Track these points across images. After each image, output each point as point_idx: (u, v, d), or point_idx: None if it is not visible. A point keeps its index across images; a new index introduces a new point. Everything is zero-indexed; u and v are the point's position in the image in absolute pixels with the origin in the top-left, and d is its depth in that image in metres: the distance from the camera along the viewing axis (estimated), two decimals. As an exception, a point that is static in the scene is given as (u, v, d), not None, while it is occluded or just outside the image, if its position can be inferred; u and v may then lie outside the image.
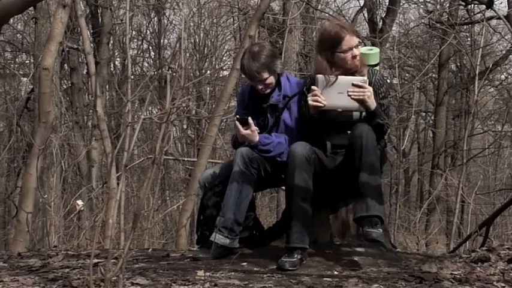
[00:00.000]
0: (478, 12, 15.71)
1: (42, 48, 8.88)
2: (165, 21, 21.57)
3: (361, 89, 4.66)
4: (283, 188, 5.18)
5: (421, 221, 15.72)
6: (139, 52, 21.59)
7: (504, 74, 21.80)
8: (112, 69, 19.32)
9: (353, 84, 4.67)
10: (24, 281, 4.29)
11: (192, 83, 16.12)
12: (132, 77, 17.56)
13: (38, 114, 8.32)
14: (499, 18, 11.59)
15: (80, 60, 17.19)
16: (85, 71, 16.76)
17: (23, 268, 4.76)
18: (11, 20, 14.50)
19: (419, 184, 21.76)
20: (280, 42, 13.06)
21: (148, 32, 21.70)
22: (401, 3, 19.17)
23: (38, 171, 7.99)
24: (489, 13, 12.38)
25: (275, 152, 4.97)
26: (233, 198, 4.91)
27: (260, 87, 5.04)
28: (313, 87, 4.73)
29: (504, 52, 19.93)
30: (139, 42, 21.54)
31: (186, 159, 15.64)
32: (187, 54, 18.57)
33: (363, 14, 19.89)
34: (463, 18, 16.81)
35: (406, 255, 5.30)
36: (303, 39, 15.09)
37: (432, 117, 21.84)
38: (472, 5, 15.14)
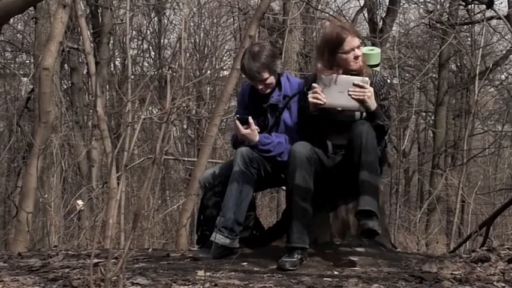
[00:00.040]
0: (478, 12, 15.73)
1: (43, 48, 8.88)
2: (165, 21, 21.60)
3: (362, 89, 4.66)
4: (284, 188, 5.18)
5: (421, 221, 15.73)
6: (139, 52, 21.60)
7: (504, 74, 21.82)
8: (112, 69, 19.33)
9: (354, 84, 4.68)
10: (25, 281, 4.29)
11: (192, 83, 16.12)
12: (132, 77, 17.56)
13: (38, 114, 8.33)
14: (499, 18, 11.61)
15: (80, 60, 17.20)
16: (85, 71, 16.77)
17: (23, 268, 4.76)
18: (11, 20, 14.50)
19: (419, 184, 21.76)
20: (281, 42, 13.06)
21: (148, 32, 21.72)
22: (401, 3, 19.18)
23: (38, 171, 7.99)
24: (489, 13, 12.39)
25: (275, 152, 4.97)
26: (233, 198, 4.91)
27: (260, 87, 5.04)
28: (314, 84, 4.73)
29: (504, 52, 19.94)
30: (140, 42, 21.57)
31: (186, 159, 15.64)
32: (188, 54, 18.58)
33: (363, 14, 19.90)
34: (463, 18, 16.81)
35: (406, 255, 5.31)
36: (303, 39, 15.10)
37: (432, 117, 21.84)
38: (472, 5, 15.16)
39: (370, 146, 4.66)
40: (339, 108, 4.79)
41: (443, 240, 14.79)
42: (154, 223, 13.93)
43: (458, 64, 21.88)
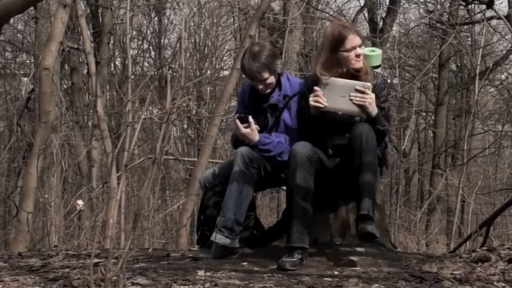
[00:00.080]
0: (479, 12, 15.72)
1: (43, 48, 8.88)
2: (166, 21, 21.60)
3: (364, 95, 4.65)
4: (284, 187, 5.18)
5: (422, 221, 15.73)
6: (139, 52, 21.60)
7: (504, 73, 21.81)
8: (112, 69, 19.34)
9: (356, 89, 4.66)
10: (25, 280, 4.29)
11: (193, 82, 16.11)
12: (133, 76, 17.57)
13: (39, 114, 8.32)
14: (500, 18, 11.60)
15: (81, 60, 17.21)
16: (85, 70, 16.77)
17: (23, 268, 4.76)
18: (12, 20, 14.50)
19: (419, 184, 21.77)
20: (281, 42, 13.06)
21: (148, 31, 21.73)
22: (401, 3, 19.19)
23: (38, 171, 7.99)
24: (489, 13, 12.38)
25: (275, 152, 4.97)
26: (233, 198, 4.91)
27: (260, 87, 5.04)
28: (315, 87, 4.73)
29: (504, 52, 19.94)
30: (140, 42, 21.57)
31: (186, 159, 15.65)
32: (188, 54, 18.58)
33: (363, 14, 19.92)
34: (463, 18, 16.81)
35: (407, 255, 5.31)
36: (303, 39, 15.11)
37: (432, 117, 21.85)
38: (473, 5, 15.14)
39: (370, 147, 4.66)
40: (340, 113, 4.80)
41: (443, 240, 14.79)
42: (155, 223, 13.93)
43: (459, 64, 21.89)
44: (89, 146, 14.63)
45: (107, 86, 18.18)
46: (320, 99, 4.70)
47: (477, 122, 20.18)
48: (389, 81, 5.11)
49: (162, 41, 21.58)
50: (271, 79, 5.03)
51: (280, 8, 15.98)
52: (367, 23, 19.51)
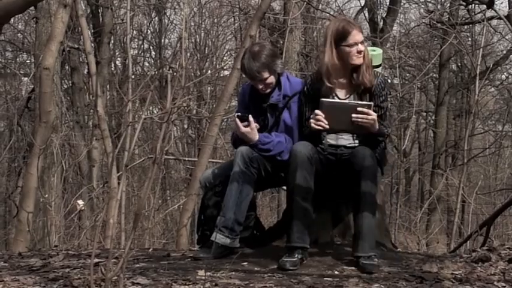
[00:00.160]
0: (479, 12, 15.72)
1: (43, 48, 8.88)
2: (166, 21, 21.60)
3: (365, 116, 4.65)
4: (284, 187, 5.18)
5: (422, 221, 15.73)
6: (140, 52, 21.60)
7: (505, 73, 21.82)
8: (113, 68, 19.33)
9: (357, 110, 4.65)
10: (25, 280, 4.29)
11: (193, 82, 16.11)
12: (133, 76, 17.57)
13: (39, 114, 8.33)
14: (500, 18, 11.61)
15: (81, 59, 17.20)
16: (86, 70, 16.77)
17: (23, 268, 4.76)
18: (12, 20, 14.50)
19: (420, 184, 21.77)
20: (281, 42, 13.05)
21: (149, 31, 21.72)
22: (402, 3, 19.20)
23: (38, 170, 7.99)
24: (490, 13, 12.39)
25: (275, 151, 4.97)
26: (233, 198, 4.91)
27: (260, 86, 5.04)
28: (316, 111, 4.72)
29: (505, 52, 19.96)
30: (140, 42, 21.57)
31: (186, 158, 15.65)
32: (188, 54, 18.59)
33: (364, 14, 19.93)
34: (463, 18, 16.81)
35: (407, 255, 5.31)
36: (303, 39, 15.10)
37: (433, 117, 21.85)
38: (473, 5, 15.15)
39: (371, 176, 4.67)
40: (341, 132, 4.84)
41: (443, 240, 14.79)
42: (155, 223, 13.94)
43: (459, 64, 21.89)
44: (89, 145, 14.62)
45: (107, 86, 18.19)
46: (322, 122, 4.70)
47: (477, 122, 20.18)
48: (389, 81, 5.12)
49: (162, 40, 21.60)
50: (271, 79, 5.02)
51: (280, 8, 15.97)
52: (367, 23, 19.51)
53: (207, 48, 20.72)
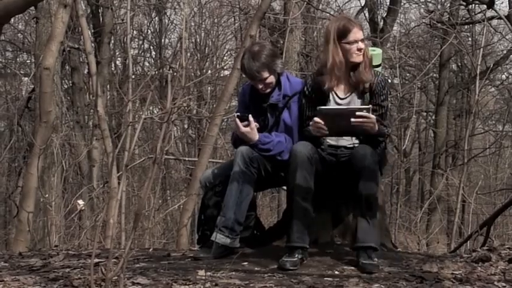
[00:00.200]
0: (479, 12, 15.72)
1: (43, 48, 8.87)
2: (166, 20, 21.60)
3: (365, 119, 4.65)
4: (284, 188, 5.18)
5: (422, 221, 15.73)
6: (140, 52, 21.60)
7: (505, 73, 21.81)
8: (113, 68, 19.32)
9: (356, 115, 4.65)
10: (25, 280, 4.29)
11: (193, 82, 16.11)
12: (133, 76, 17.56)
13: (39, 114, 8.32)
14: (500, 18, 11.61)
15: (81, 59, 17.20)
16: (86, 70, 16.78)
17: (23, 268, 4.76)
18: (12, 20, 14.50)
19: (420, 184, 21.77)
20: (281, 42, 13.05)
21: (149, 31, 21.72)
22: (402, 3, 19.20)
23: (38, 170, 7.99)
24: (490, 13, 12.40)
25: (275, 151, 4.97)
26: (233, 198, 4.91)
27: (260, 86, 5.04)
28: (315, 118, 4.72)
29: (505, 52, 19.95)
30: (140, 42, 21.57)
31: (187, 158, 15.65)
32: (188, 54, 18.58)
33: (364, 14, 19.92)
34: (464, 18, 16.81)
35: (407, 255, 5.31)
36: (304, 39, 15.09)
37: (433, 117, 21.84)
38: (473, 5, 15.14)
39: (372, 174, 4.68)
40: (342, 136, 4.86)
41: (444, 240, 14.80)
42: (155, 223, 13.94)
43: (459, 64, 21.88)
44: (89, 145, 14.63)
45: (108, 86, 18.18)
46: (322, 129, 4.70)
47: (478, 122, 20.17)
48: (389, 80, 5.13)
49: (162, 40, 21.60)
50: (271, 79, 5.02)
51: (280, 7, 15.97)
52: (367, 23, 19.49)
53: (207, 48, 20.72)
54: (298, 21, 12.99)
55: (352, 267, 4.63)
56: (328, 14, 14.35)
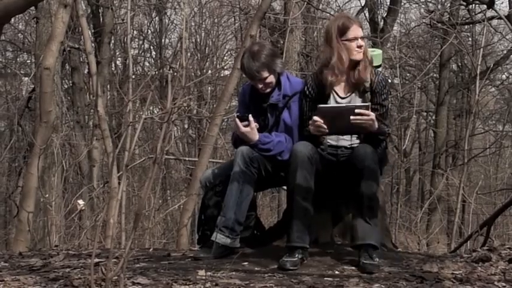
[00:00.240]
0: (479, 12, 15.72)
1: (44, 48, 8.88)
2: (166, 20, 21.59)
3: (364, 117, 4.65)
4: (284, 187, 5.18)
5: (422, 221, 15.72)
6: (140, 52, 21.60)
7: (505, 73, 21.80)
8: (113, 68, 19.32)
9: (356, 112, 4.65)
10: (25, 280, 4.29)
11: (193, 82, 16.12)
12: (133, 76, 17.54)
13: (39, 114, 8.32)
14: (500, 18, 11.58)
15: (81, 59, 17.20)
16: (86, 70, 16.77)
17: (24, 267, 4.76)
18: (13, 20, 14.49)
19: (420, 184, 21.76)
20: (282, 42, 13.06)
21: (149, 31, 21.71)
22: (402, 3, 19.19)
23: (39, 170, 7.99)
24: (490, 13, 12.38)
25: (275, 151, 4.97)
26: (234, 198, 4.91)
27: (260, 86, 5.04)
28: (314, 117, 4.72)
29: (505, 52, 19.95)
30: (141, 42, 21.56)
31: (187, 158, 15.65)
32: (189, 54, 18.58)
33: (364, 14, 19.91)
34: (464, 18, 16.81)
35: (407, 254, 5.31)
36: (304, 39, 15.09)
37: (433, 117, 21.84)
38: (473, 5, 15.13)
39: (372, 173, 4.68)
40: (342, 135, 4.86)
41: (444, 240, 14.79)
42: (155, 223, 13.94)
43: (459, 64, 21.88)
44: (89, 145, 14.62)
45: (108, 86, 18.18)
46: (321, 128, 4.70)
47: (478, 122, 20.15)
48: (389, 80, 5.12)
49: (162, 40, 21.59)
50: (271, 78, 5.02)
51: (281, 7, 15.97)
52: (367, 23, 19.49)
53: (207, 48, 20.72)
54: (299, 21, 12.99)
55: (353, 267, 4.63)
56: (328, 14, 14.35)
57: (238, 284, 4.17)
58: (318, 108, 4.72)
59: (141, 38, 21.42)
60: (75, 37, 15.56)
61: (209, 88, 19.59)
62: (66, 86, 18.33)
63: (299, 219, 4.71)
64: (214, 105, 13.19)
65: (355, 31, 4.84)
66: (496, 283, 4.25)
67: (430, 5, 18.81)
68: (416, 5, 20.24)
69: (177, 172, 18.99)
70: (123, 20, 17.50)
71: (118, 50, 20.01)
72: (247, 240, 5.16)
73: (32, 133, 11.58)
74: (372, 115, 4.65)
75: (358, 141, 4.89)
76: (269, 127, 5.08)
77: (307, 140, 4.84)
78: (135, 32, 20.26)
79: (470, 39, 19.60)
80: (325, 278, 4.35)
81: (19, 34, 19.51)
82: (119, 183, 8.42)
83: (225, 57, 20.76)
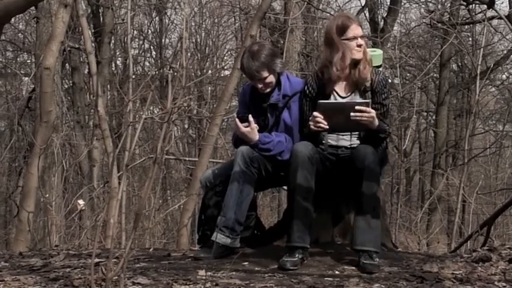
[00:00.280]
0: (479, 12, 15.72)
1: (44, 48, 8.88)
2: (167, 20, 21.60)
3: (364, 113, 4.65)
4: (285, 187, 5.18)
5: (423, 221, 15.72)
6: (140, 52, 21.60)
7: (505, 73, 21.80)
8: (113, 68, 19.32)
9: (356, 109, 4.65)
10: (26, 280, 4.29)
11: (194, 82, 16.11)
12: (134, 76, 17.53)
13: (39, 114, 8.33)
14: (500, 18, 11.59)
15: (82, 59, 17.20)
16: (86, 70, 16.78)
17: (24, 267, 4.76)
18: (13, 20, 14.49)
19: (420, 184, 21.76)
20: (282, 42, 13.06)
21: (149, 31, 21.71)
22: (402, 3, 19.20)
23: (39, 170, 7.99)
24: (490, 13, 12.39)
25: (275, 151, 4.97)
26: (234, 198, 4.91)
27: (260, 86, 5.04)
28: (314, 113, 4.72)
29: (505, 52, 19.94)
30: (141, 42, 21.56)
31: (187, 158, 15.65)
32: (189, 54, 18.58)
33: (364, 14, 19.91)
34: (464, 18, 16.81)
35: (407, 254, 5.31)
36: (304, 39, 15.09)
37: (433, 117, 21.84)
38: (473, 5, 15.13)
39: (372, 174, 4.67)
40: (342, 132, 4.84)
41: (444, 240, 14.79)
42: (156, 223, 13.95)
43: (460, 64, 21.87)
44: (90, 145, 14.63)
45: (108, 86, 18.18)
46: (321, 123, 4.70)
47: (478, 122, 20.14)
48: (389, 80, 5.12)
49: (163, 40, 21.60)
50: (271, 78, 5.02)
51: (281, 7, 15.98)
52: (368, 23, 19.50)
53: (207, 48, 20.73)
54: (299, 21, 12.99)
55: (353, 267, 4.63)
56: (328, 14, 14.36)
57: (238, 284, 4.17)
58: (318, 104, 4.72)
59: (141, 38, 21.43)
60: (76, 37, 15.56)
61: (209, 88, 19.59)
62: (66, 86, 18.33)
63: (299, 219, 4.71)
64: (215, 105, 13.19)
65: (354, 30, 4.84)
66: (496, 283, 4.25)
67: (430, 5, 18.82)
68: (417, 5, 20.26)
69: (177, 172, 18.99)
70: (123, 20, 17.50)
71: (118, 50, 20.01)
72: (248, 240, 5.16)
73: (32, 133, 11.58)
74: (372, 112, 4.65)
75: (358, 141, 4.89)
76: (269, 127, 5.08)
77: (307, 139, 4.84)
78: (135, 32, 20.26)
79: (470, 39, 19.60)
80: (326, 278, 4.35)
81: (19, 34, 19.51)
82: (119, 183, 8.41)
83: (225, 57, 20.77)
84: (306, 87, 4.98)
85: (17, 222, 8.78)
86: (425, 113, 22.72)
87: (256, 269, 4.62)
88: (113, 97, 19.19)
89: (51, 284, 4.19)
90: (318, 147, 4.86)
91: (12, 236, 11.00)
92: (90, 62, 10.16)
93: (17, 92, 18.24)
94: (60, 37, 7.94)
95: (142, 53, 21.76)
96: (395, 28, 18.52)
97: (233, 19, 20.20)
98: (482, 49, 13.78)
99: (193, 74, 18.43)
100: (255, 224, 5.30)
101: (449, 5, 17.87)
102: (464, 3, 14.93)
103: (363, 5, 19.85)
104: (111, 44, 18.41)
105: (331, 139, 4.92)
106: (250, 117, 4.95)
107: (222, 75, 18.41)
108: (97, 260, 4.42)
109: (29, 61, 19.63)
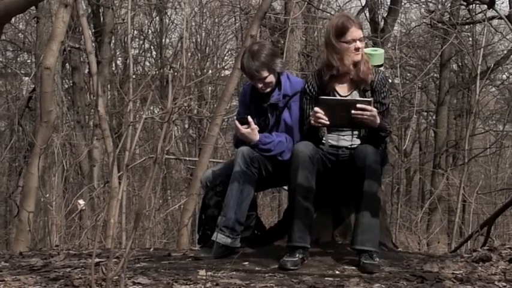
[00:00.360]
0: (480, 12, 15.72)
1: (44, 48, 8.88)
2: (167, 20, 21.58)
3: (366, 112, 4.64)
4: (285, 187, 5.18)
5: (423, 221, 15.72)
6: (141, 51, 21.58)
7: (505, 73, 21.80)
8: (114, 68, 19.31)
9: (357, 107, 4.65)
10: (26, 280, 4.29)
11: (194, 82, 16.11)
12: (134, 76, 17.50)
13: (40, 114, 8.33)
14: (501, 18, 11.59)
15: (82, 59, 17.20)
16: (87, 70, 16.77)
17: (24, 267, 4.76)
18: (13, 20, 14.50)
19: (420, 184, 21.75)
20: (282, 42, 13.06)
21: (150, 31, 21.70)
22: (402, 3, 19.20)
23: (39, 170, 7.99)
24: (490, 13, 12.39)
25: (276, 151, 4.97)
26: (234, 198, 4.91)
27: (260, 85, 5.04)
28: (315, 108, 4.72)
29: (505, 52, 19.94)
30: (141, 42, 21.55)
31: (187, 158, 15.64)
32: (189, 54, 18.57)
33: (365, 14, 19.91)
34: (464, 18, 16.81)
35: (408, 254, 5.31)
36: (304, 38, 15.10)
37: (434, 117, 21.83)
38: (474, 5, 15.13)
39: (374, 173, 4.67)
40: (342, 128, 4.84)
41: (444, 239, 14.79)
42: (156, 223, 13.94)
43: (460, 64, 21.87)
44: (90, 145, 14.63)
45: (108, 86, 18.18)
46: (322, 119, 4.70)
47: (478, 122, 20.14)
48: (390, 80, 5.11)
49: (163, 40, 21.59)
50: (271, 78, 5.02)
51: (281, 7, 15.98)
52: (368, 23, 19.50)
53: (208, 48, 20.72)
54: (299, 21, 13.00)
55: (353, 267, 4.63)
56: (328, 14, 14.36)
57: (238, 283, 4.17)
58: (320, 99, 4.72)
59: (142, 37, 21.42)
60: (76, 37, 15.56)
61: (210, 88, 19.59)
62: (66, 86, 18.33)
63: (300, 219, 4.71)
64: (215, 105, 13.19)
65: (353, 33, 4.82)
66: (496, 283, 4.25)
67: (431, 5, 18.80)
68: (417, 5, 20.25)
69: (178, 172, 18.99)
70: (123, 19, 17.50)
71: (118, 49, 20.00)
72: (248, 240, 5.16)
73: (32, 133, 11.59)
74: (374, 110, 4.65)
75: (358, 141, 4.89)
76: (269, 127, 5.08)
77: (308, 139, 4.84)
78: (135, 31, 20.25)
79: (470, 39, 19.60)
80: (326, 278, 4.35)
81: (19, 34, 19.51)
82: (120, 183, 8.42)
83: (226, 57, 20.77)
84: (306, 87, 4.98)
85: (17, 222, 8.78)
86: (425, 113, 22.71)
87: (257, 269, 4.62)
88: (113, 97, 19.19)
89: (51, 284, 4.19)
90: (319, 147, 4.87)
91: (13, 236, 11.00)
92: (91, 62, 10.17)
93: (17, 92, 18.26)
94: (61, 37, 7.94)
95: (143, 53, 21.76)
96: (395, 28, 18.54)
97: (233, 19, 20.19)
98: (482, 49, 13.76)
99: (193, 74, 18.43)
100: (256, 224, 5.30)
101: (449, 5, 17.85)
102: (465, 3, 14.94)
103: (363, 5, 19.85)
104: (112, 44, 18.40)
105: (332, 139, 4.92)
106: (250, 118, 4.95)
107: (223, 75, 18.41)
108: (97, 259, 4.42)
109: (29, 61, 19.63)
